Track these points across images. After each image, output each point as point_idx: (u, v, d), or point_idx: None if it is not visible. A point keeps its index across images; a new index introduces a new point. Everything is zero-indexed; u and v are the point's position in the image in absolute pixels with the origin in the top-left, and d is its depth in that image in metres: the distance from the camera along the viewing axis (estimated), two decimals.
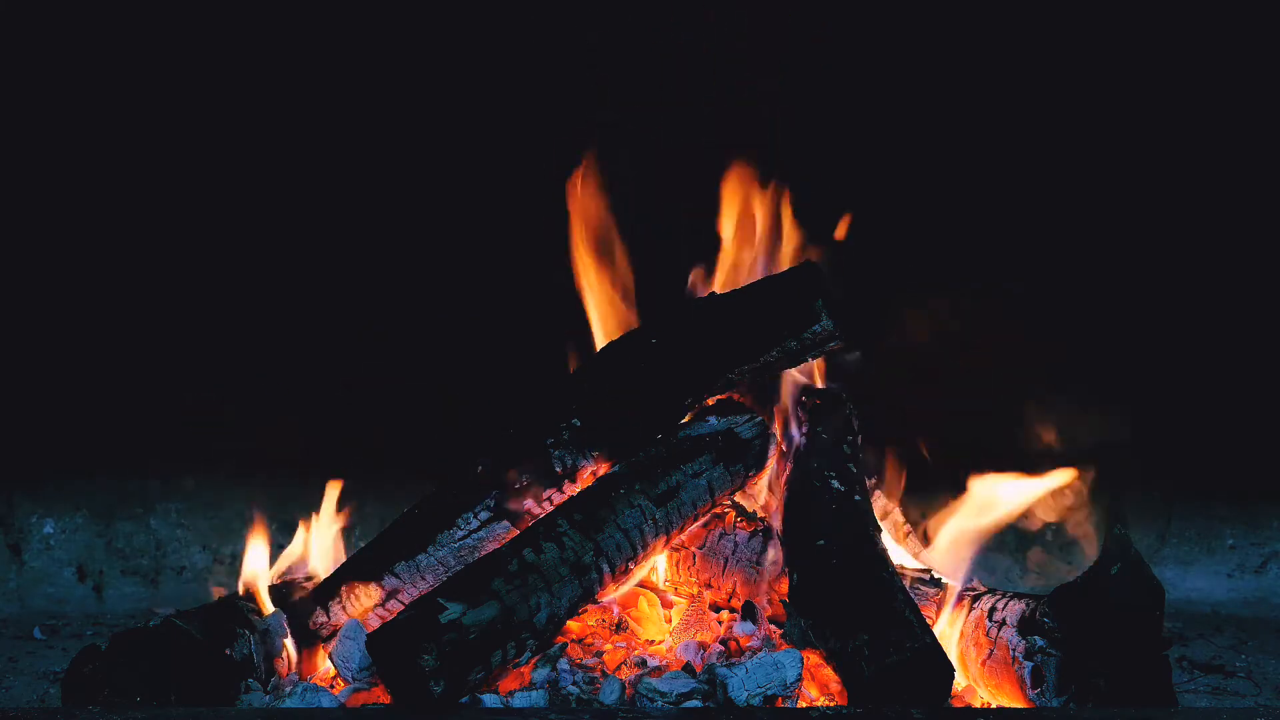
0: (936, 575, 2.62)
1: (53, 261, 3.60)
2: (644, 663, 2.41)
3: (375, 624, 2.44)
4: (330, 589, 2.56)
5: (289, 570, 2.67)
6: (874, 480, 2.82)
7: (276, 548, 2.69)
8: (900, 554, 2.81)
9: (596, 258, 2.85)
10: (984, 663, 2.38)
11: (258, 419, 3.57)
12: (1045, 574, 3.68)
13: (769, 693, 2.23)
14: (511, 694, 2.24)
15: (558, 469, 2.58)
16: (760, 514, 2.71)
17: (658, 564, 2.69)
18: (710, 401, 2.66)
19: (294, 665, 2.49)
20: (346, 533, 2.81)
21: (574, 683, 2.31)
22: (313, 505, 3.47)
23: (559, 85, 3.58)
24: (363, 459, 3.54)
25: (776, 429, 2.73)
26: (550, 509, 2.53)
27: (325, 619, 2.53)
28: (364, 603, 2.53)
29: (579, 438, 2.59)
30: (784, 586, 2.51)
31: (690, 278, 2.86)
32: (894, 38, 3.58)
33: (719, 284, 2.83)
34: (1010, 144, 3.60)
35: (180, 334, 3.63)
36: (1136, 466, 3.63)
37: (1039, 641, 2.26)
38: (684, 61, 3.21)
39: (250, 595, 2.53)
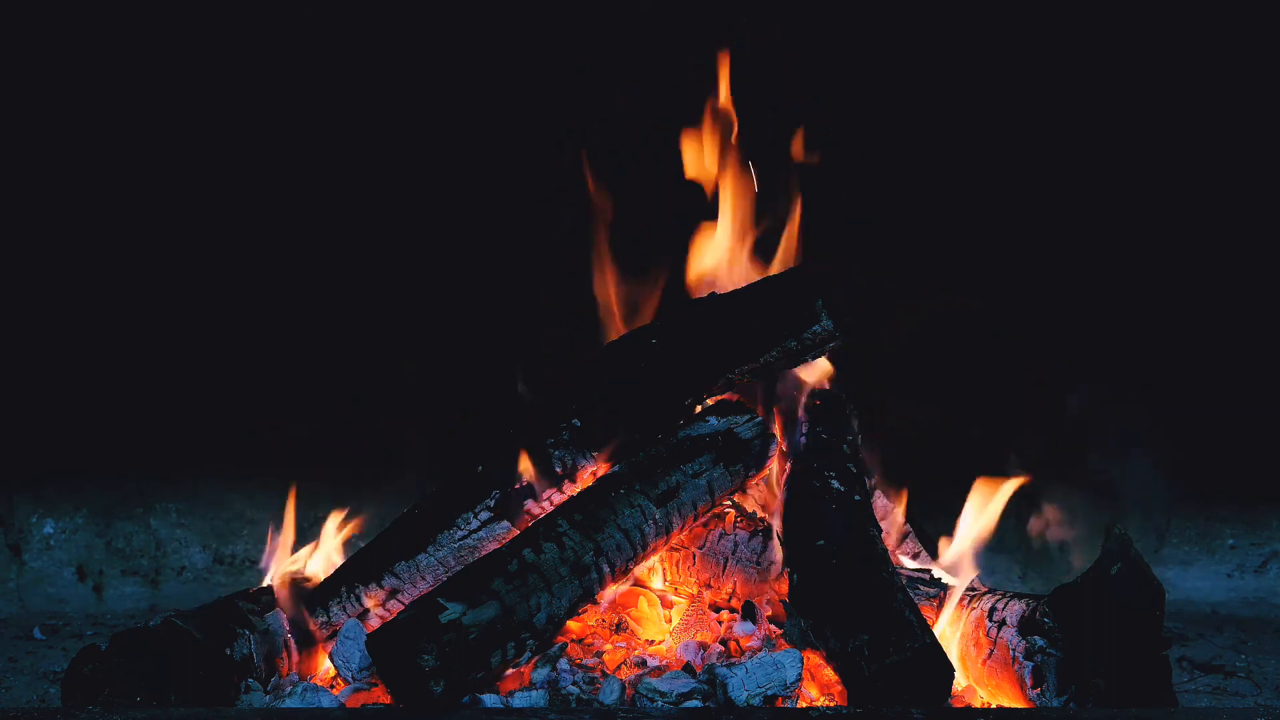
0: (936, 575, 2.62)
1: (53, 263, 3.60)
2: (644, 663, 2.41)
3: (375, 624, 2.45)
4: (330, 589, 2.56)
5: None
6: (874, 480, 2.82)
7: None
8: (900, 554, 2.81)
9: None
10: (984, 663, 2.38)
11: (258, 419, 3.56)
12: (1045, 574, 3.68)
13: (769, 693, 2.23)
14: (511, 694, 2.24)
15: (558, 469, 2.58)
16: (760, 514, 2.71)
17: (657, 564, 2.69)
18: (710, 401, 2.65)
19: (294, 665, 2.49)
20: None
21: (574, 683, 2.31)
22: (314, 506, 3.48)
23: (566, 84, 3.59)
24: (363, 459, 3.54)
25: (777, 429, 2.73)
26: (550, 509, 2.53)
27: (325, 619, 2.54)
28: (364, 602, 2.53)
29: (579, 438, 2.59)
30: (784, 586, 2.51)
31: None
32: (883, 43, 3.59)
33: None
34: (1006, 145, 3.59)
35: (180, 334, 3.62)
36: (1137, 466, 3.63)
37: (1039, 641, 2.26)
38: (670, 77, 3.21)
39: (250, 595, 2.53)
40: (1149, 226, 3.64)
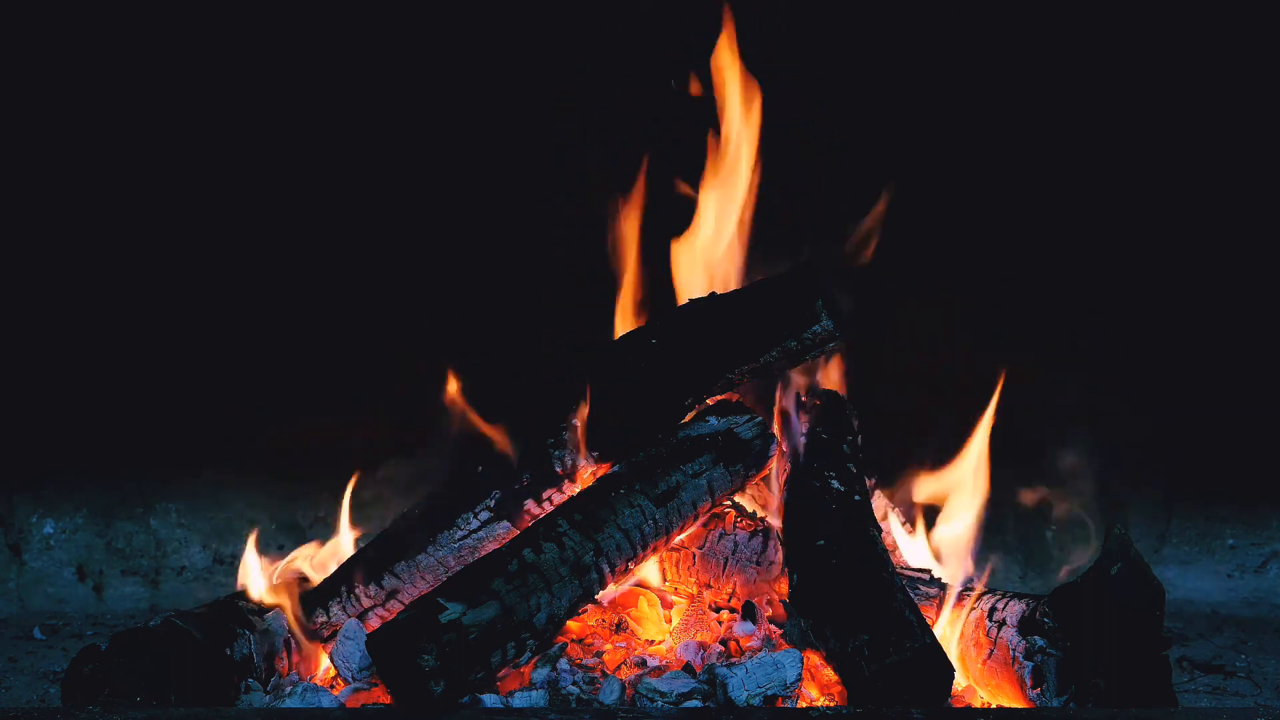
0: (936, 575, 2.62)
1: (53, 263, 3.60)
2: (644, 663, 2.41)
3: (375, 624, 2.45)
4: (330, 589, 2.56)
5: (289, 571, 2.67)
6: (874, 480, 2.82)
7: (277, 548, 2.68)
8: (902, 552, 2.81)
9: None
10: (984, 663, 2.38)
11: (258, 419, 3.56)
12: (1045, 574, 3.68)
13: (769, 693, 2.23)
14: (511, 694, 2.24)
15: (558, 469, 2.58)
16: (760, 514, 2.71)
17: (657, 564, 2.68)
18: (710, 401, 2.65)
19: (294, 665, 2.49)
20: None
21: (574, 683, 2.31)
22: (314, 505, 3.48)
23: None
24: (363, 459, 3.54)
25: (776, 429, 2.73)
26: (550, 509, 2.53)
27: (325, 619, 2.54)
28: (364, 603, 2.53)
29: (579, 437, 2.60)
30: (784, 586, 2.51)
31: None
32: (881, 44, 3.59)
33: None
34: (1007, 145, 3.59)
35: (180, 334, 3.62)
36: (1137, 466, 3.63)
37: (1039, 641, 2.26)
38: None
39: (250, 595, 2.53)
40: (1148, 227, 3.64)
